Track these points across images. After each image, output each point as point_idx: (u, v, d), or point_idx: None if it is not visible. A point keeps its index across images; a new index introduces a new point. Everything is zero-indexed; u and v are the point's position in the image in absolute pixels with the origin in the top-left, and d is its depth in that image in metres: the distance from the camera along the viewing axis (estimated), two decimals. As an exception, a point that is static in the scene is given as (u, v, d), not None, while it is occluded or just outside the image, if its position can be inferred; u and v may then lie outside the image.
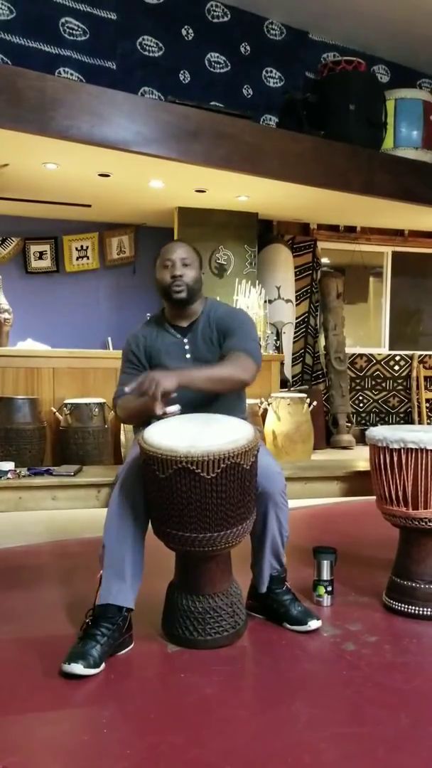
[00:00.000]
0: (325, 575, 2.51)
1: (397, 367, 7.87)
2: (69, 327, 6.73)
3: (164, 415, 2.16)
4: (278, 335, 6.66)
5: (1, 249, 6.69)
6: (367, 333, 8.02)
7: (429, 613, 2.35)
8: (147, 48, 6.03)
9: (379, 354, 7.82)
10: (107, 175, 5.47)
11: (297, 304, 7.12)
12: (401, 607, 2.40)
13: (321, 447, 6.61)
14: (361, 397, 7.74)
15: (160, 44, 6.08)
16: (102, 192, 5.95)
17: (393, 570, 2.47)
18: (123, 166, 5.21)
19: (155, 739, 1.63)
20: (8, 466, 2.58)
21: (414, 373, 7.88)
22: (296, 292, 7.10)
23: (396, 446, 2.34)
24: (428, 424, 7.77)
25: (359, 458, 3.12)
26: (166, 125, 4.94)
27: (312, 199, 6.08)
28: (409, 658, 2.09)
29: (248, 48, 6.53)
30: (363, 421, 7.70)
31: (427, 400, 7.90)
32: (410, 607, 2.38)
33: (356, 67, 6.17)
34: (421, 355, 7.93)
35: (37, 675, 1.96)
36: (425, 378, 7.91)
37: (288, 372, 6.85)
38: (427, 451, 2.30)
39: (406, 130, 6.36)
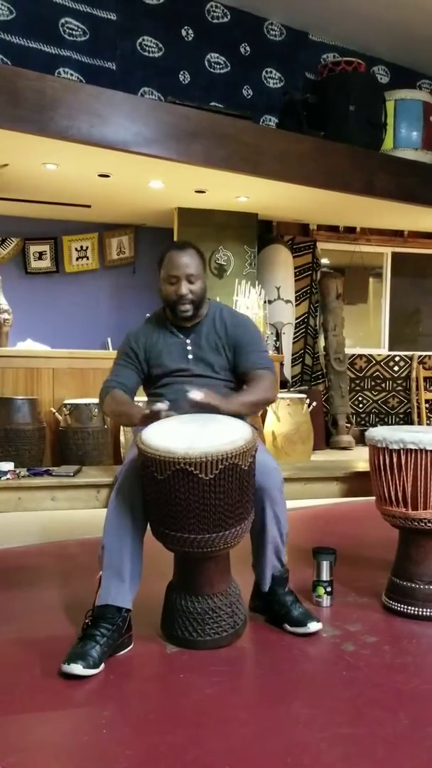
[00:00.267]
0: (325, 576, 2.51)
1: (396, 368, 7.87)
2: (68, 327, 6.73)
3: (151, 416, 2.16)
4: (278, 336, 6.66)
5: (1, 249, 6.69)
6: (366, 334, 8.03)
7: (428, 613, 2.35)
8: (147, 48, 6.03)
9: (378, 355, 7.82)
10: (107, 176, 5.47)
11: (297, 305, 7.12)
12: (401, 607, 2.40)
13: (320, 448, 6.61)
14: (360, 398, 7.74)
15: (160, 45, 6.08)
16: (102, 192, 5.95)
17: (392, 570, 2.47)
18: (123, 167, 5.21)
19: (155, 740, 1.63)
20: (8, 466, 2.58)
21: (413, 374, 7.89)
22: (296, 292, 7.11)
23: (395, 447, 2.34)
24: (428, 424, 7.77)
25: (359, 459, 3.12)
26: (165, 126, 4.94)
27: (312, 199, 6.09)
28: (408, 658, 2.09)
29: (248, 48, 6.53)
30: (362, 422, 7.70)
31: (427, 401, 7.90)
32: (410, 607, 2.38)
33: (356, 68, 6.18)
34: (420, 356, 7.93)
35: (37, 675, 1.96)
36: (425, 379, 7.91)
37: (287, 373, 6.85)
38: (426, 451, 2.30)
39: (406, 130, 6.37)
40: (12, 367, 5.01)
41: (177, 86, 6.12)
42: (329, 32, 6.77)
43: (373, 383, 7.80)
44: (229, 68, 6.46)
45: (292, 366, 7.10)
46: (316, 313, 7.30)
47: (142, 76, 6.01)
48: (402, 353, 7.90)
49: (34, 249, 6.82)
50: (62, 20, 5.60)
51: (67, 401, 5.03)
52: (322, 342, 7.32)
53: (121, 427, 5.12)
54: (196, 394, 2.14)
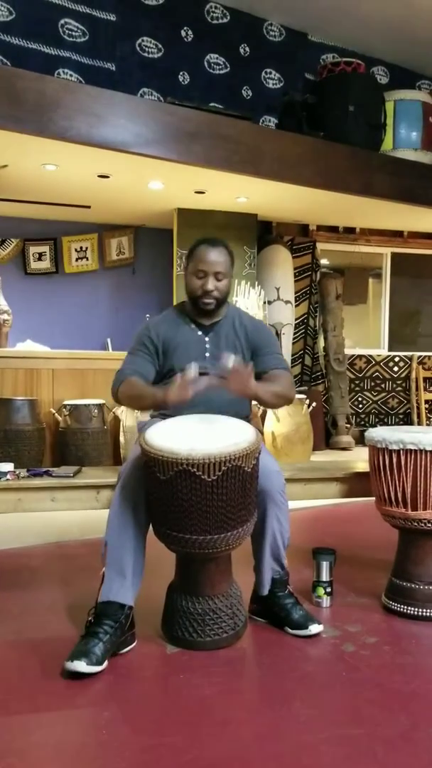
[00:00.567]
0: (325, 576, 2.51)
1: (396, 368, 7.87)
2: (68, 328, 6.73)
3: (183, 386, 2.10)
4: (277, 336, 6.66)
5: (1, 250, 6.69)
6: (366, 334, 8.02)
7: (428, 614, 2.36)
8: (146, 49, 6.03)
9: (378, 355, 7.82)
10: (106, 176, 5.47)
11: (296, 305, 7.12)
12: (401, 608, 2.40)
13: (320, 448, 6.61)
14: (360, 398, 7.74)
15: (160, 45, 6.08)
16: (101, 193, 5.95)
17: (392, 571, 2.47)
18: (122, 167, 5.21)
19: (154, 740, 1.63)
20: (7, 467, 2.58)
21: (413, 374, 7.88)
22: (295, 293, 7.10)
23: (395, 447, 2.34)
24: (427, 425, 7.77)
25: (358, 459, 3.12)
26: (165, 126, 4.94)
27: (311, 200, 6.09)
28: (408, 659, 2.09)
29: (247, 49, 6.53)
30: (362, 422, 7.70)
31: (427, 401, 7.90)
32: (409, 608, 2.38)
33: (355, 69, 6.18)
34: (420, 356, 7.93)
35: (37, 676, 1.96)
36: (424, 379, 7.91)
37: (287, 373, 6.84)
38: (426, 452, 2.30)
39: (406, 131, 6.37)
40: (12, 367, 5.01)
41: (176, 87, 6.12)
42: (329, 33, 6.77)
43: (372, 384, 7.80)
44: (228, 69, 6.46)
45: (292, 366, 7.09)
46: (315, 314, 7.30)
47: (142, 77, 6.01)
48: (401, 354, 7.90)
49: (33, 250, 6.82)
50: (62, 21, 5.60)
51: (66, 402, 5.03)
52: (321, 342, 7.33)
53: (121, 428, 5.12)
54: (231, 360, 2.12)
